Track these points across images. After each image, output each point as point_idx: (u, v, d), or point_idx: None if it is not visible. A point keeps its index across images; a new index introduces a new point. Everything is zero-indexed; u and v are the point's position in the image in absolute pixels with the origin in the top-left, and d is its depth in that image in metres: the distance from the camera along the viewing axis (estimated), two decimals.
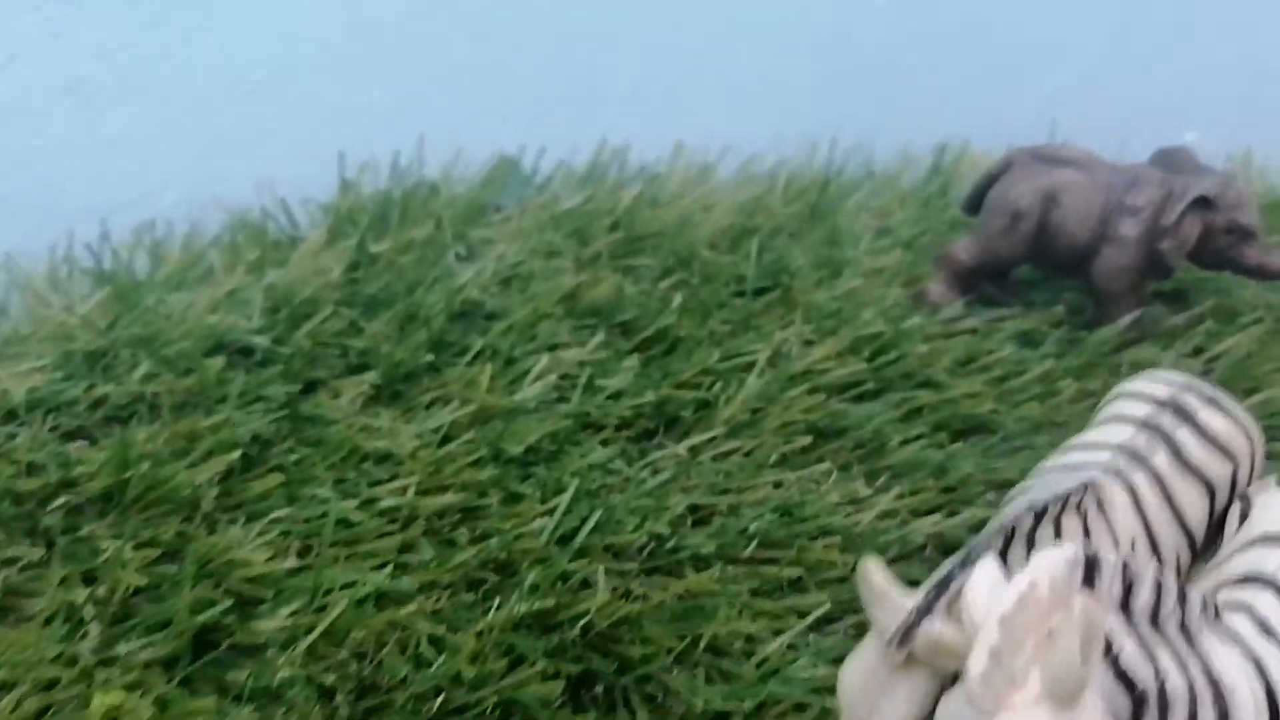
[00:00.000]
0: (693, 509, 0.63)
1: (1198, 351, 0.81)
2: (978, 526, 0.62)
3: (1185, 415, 0.46)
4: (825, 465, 0.67)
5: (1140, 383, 0.48)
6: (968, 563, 0.33)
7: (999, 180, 0.82)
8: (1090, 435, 0.46)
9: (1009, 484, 0.65)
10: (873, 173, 1.06)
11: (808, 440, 0.68)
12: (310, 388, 0.71)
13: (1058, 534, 0.40)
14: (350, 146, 0.89)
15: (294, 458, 0.64)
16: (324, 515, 0.60)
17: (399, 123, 0.90)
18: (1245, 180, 1.12)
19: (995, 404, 0.73)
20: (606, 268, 0.85)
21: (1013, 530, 0.39)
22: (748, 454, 0.68)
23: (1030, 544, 0.40)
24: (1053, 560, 0.30)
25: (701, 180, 0.99)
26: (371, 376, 0.71)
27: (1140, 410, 0.46)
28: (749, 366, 0.74)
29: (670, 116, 0.98)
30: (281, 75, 0.84)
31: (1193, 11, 1.13)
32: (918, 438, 0.69)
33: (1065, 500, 0.40)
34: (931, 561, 0.60)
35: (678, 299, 0.81)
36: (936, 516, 0.63)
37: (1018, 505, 0.40)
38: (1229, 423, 0.46)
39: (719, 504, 0.63)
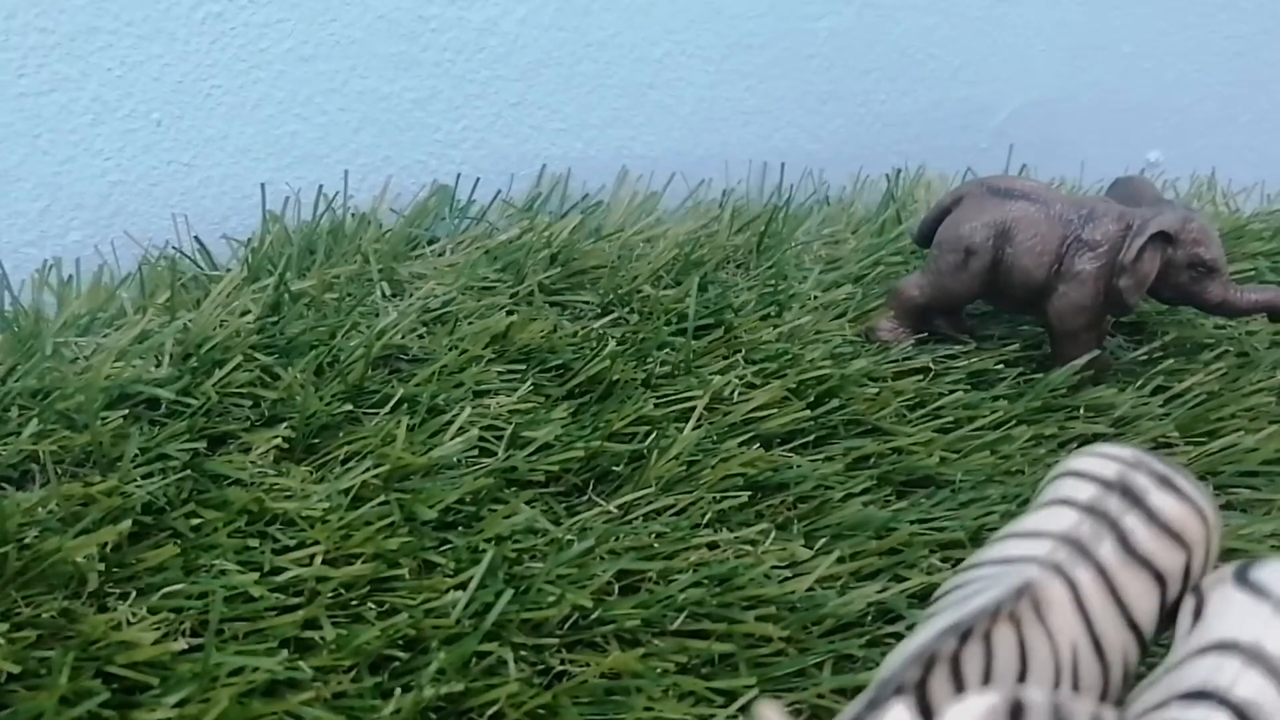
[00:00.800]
0: (621, 575, 0.59)
1: (1158, 391, 0.78)
2: (921, 594, 0.58)
3: (1134, 498, 0.42)
4: (763, 524, 0.63)
5: (1086, 460, 0.44)
6: (876, 703, 0.29)
7: (951, 214, 0.78)
8: (1031, 520, 0.43)
9: (954, 545, 0.62)
10: (825, 199, 1.03)
11: (745, 496, 0.64)
12: (219, 442, 0.67)
13: (988, 651, 0.36)
14: (272, 179, 0.85)
15: (194, 523, 0.60)
16: (221, 589, 0.55)
17: (324, 154, 0.86)
18: (1209, 203, 1.10)
19: (945, 452, 0.69)
20: (542, 305, 0.81)
21: (934, 656, 0.35)
22: (681, 512, 0.64)
23: (956, 669, 0.36)
24: (971, 714, 0.26)
25: (647, 208, 0.95)
26: (284, 430, 0.66)
27: (1085, 493, 0.42)
28: (687, 414, 0.70)
29: (614, 143, 0.94)
30: (192, 108, 0.80)
31: (1153, 32, 1.11)
32: (862, 492, 0.65)
33: (997, 609, 0.37)
34: (872, 633, 0.57)
35: (615, 339, 0.77)
36: (880, 582, 0.59)
37: (940, 621, 0.36)
38: (1182, 506, 0.42)
39: (649, 570, 0.59)
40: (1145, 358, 0.84)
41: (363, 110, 0.86)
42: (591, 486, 0.65)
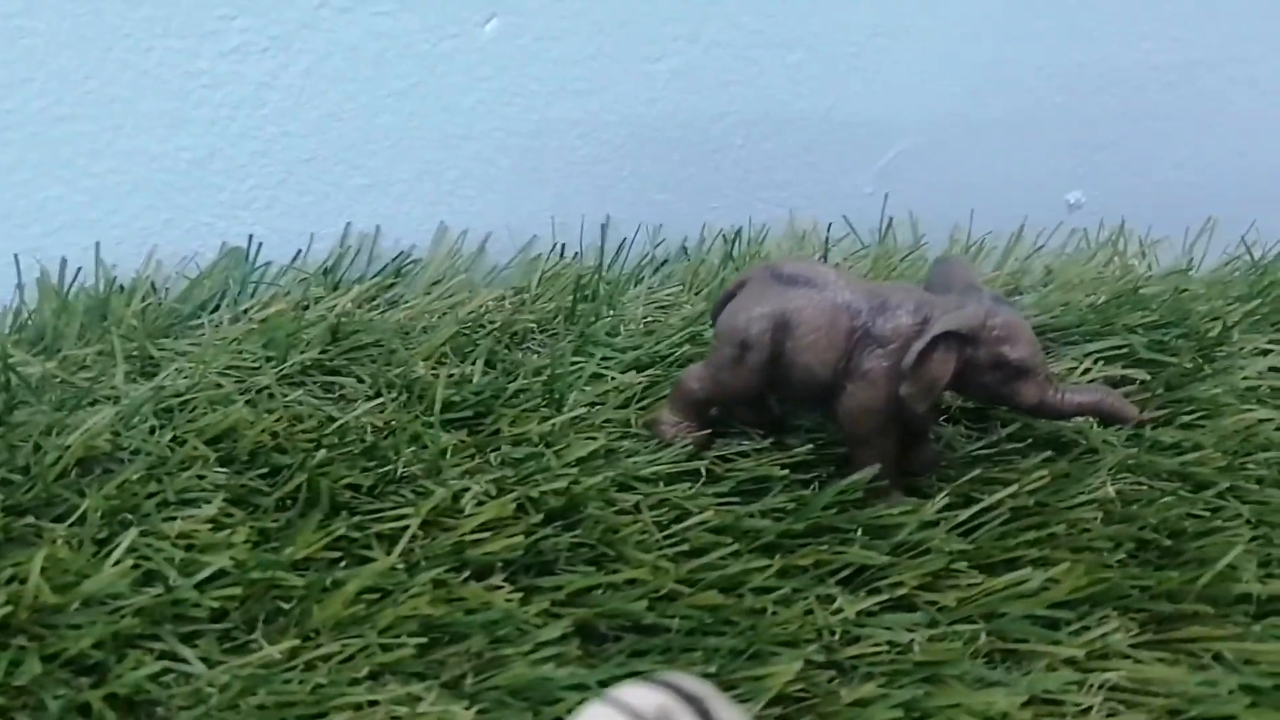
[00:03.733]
0: None
1: (970, 502, 0.69)
2: None
3: None
4: (432, 679, 0.56)
5: (621, 697, 0.36)
6: None
7: (731, 301, 0.70)
8: None
9: None
10: (683, 252, 0.94)
11: (422, 643, 0.57)
12: None
13: None
14: (39, 245, 0.79)
15: None
16: None
17: (95, 219, 0.80)
18: (1116, 254, 0.99)
19: (678, 585, 0.61)
20: (304, 389, 0.75)
21: None
22: (348, 660, 0.57)
23: None
24: None
25: (461, 268, 0.88)
26: None
27: None
28: (397, 535, 0.63)
29: (428, 198, 0.87)
30: None
31: (1066, 63, 0.99)
32: (554, 641, 0.58)
33: None
34: None
35: (372, 428, 0.71)
36: None
37: None
38: None
39: None
40: (981, 452, 0.75)
41: (134, 172, 0.80)
42: (262, 624, 0.59)
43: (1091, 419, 0.72)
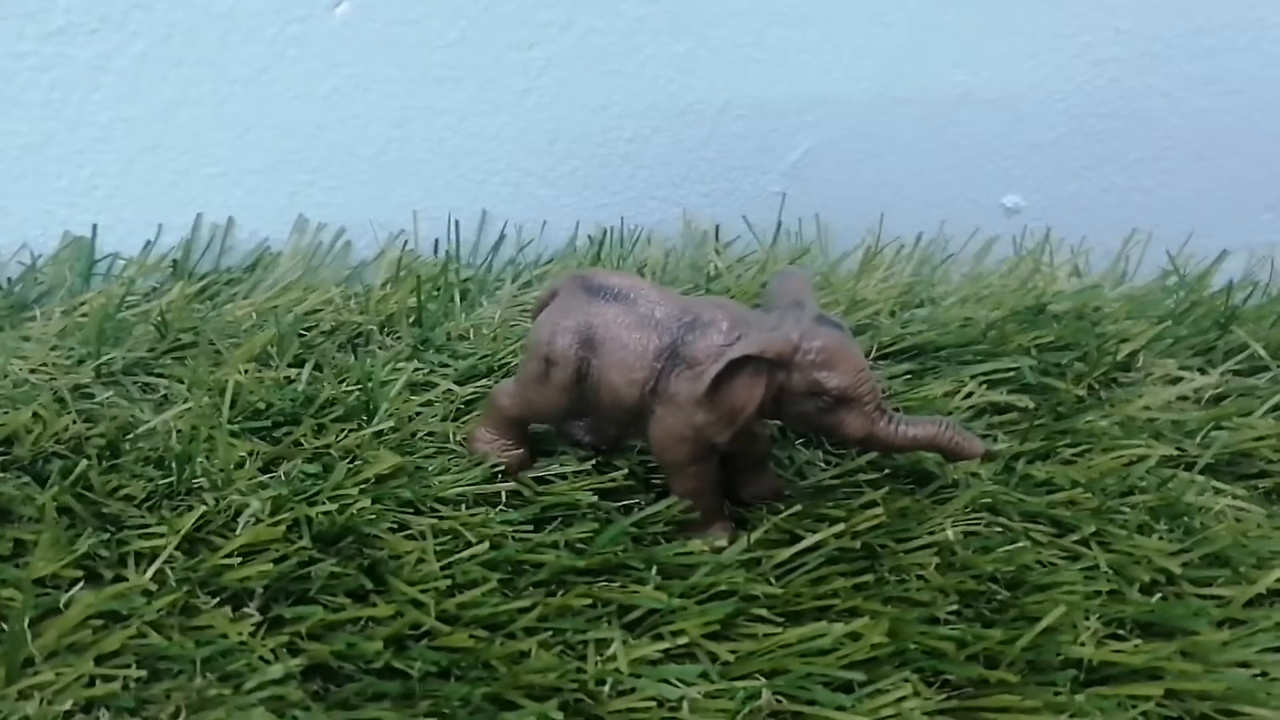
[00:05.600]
0: None
1: (793, 540, 0.63)
2: None
3: None
4: (140, 718, 0.52)
5: None
6: None
7: (542, 312, 0.64)
8: None
9: None
10: (550, 257, 0.89)
11: (142, 675, 0.53)
12: None
13: None
14: None
15: None
16: None
17: None
18: (1043, 264, 0.92)
19: (439, 623, 0.56)
20: (118, 389, 0.71)
21: None
22: (61, 690, 0.53)
23: None
24: None
25: (319, 265, 0.84)
26: None
27: None
28: (148, 557, 0.59)
29: (284, 189, 0.83)
30: None
31: (992, 57, 0.92)
32: (276, 681, 0.53)
33: None
34: None
35: (178, 432, 0.67)
36: None
37: None
38: None
39: None
40: (832, 481, 0.68)
41: None
42: None
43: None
